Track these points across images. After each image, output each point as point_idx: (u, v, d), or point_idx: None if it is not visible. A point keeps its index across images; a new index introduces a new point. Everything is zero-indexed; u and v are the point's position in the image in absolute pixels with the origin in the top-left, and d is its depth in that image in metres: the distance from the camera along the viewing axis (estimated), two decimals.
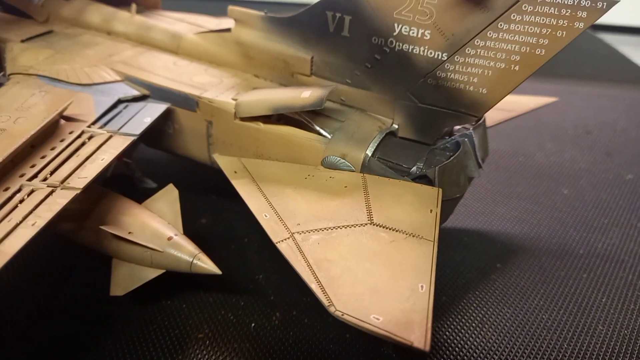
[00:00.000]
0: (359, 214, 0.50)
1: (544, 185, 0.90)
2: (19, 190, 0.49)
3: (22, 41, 0.76)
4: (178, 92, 0.64)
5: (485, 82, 0.51)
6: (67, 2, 0.83)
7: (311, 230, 0.48)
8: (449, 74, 0.53)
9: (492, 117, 0.72)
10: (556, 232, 0.77)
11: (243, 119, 0.60)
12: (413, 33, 0.53)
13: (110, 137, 0.57)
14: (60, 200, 0.48)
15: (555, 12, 0.45)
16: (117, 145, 0.56)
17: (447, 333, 0.59)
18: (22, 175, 0.51)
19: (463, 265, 0.69)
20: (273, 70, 0.65)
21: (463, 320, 0.61)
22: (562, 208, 0.84)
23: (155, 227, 0.55)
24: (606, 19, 0.45)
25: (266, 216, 0.51)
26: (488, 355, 0.56)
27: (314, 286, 0.43)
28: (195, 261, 0.53)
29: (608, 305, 0.64)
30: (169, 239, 0.54)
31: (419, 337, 0.38)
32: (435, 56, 0.53)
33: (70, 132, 0.57)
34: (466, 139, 0.55)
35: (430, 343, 0.38)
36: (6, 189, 0.49)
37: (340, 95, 0.61)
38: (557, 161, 0.99)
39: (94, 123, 0.59)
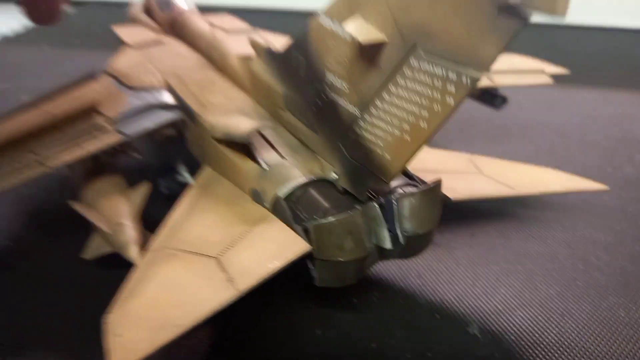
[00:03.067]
0: (218, 246, 0.53)
1: (631, 196, 0.92)
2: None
3: (130, 46, 0.90)
4: (189, 105, 0.71)
5: (387, 147, 0.51)
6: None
7: (171, 248, 0.55)
8: (362, 131, 0.53)
9: (521, 184, 0.74)
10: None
11: (216, 140, 0.65)
12: (337, 83, 0.54)
13: (108, 132, 0.68)
14: (29, 172, 0.63)
15: (429, 82, 0.45)
16: (107, 140, 0.68)
17: (526, 323, 0.64)
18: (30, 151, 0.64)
19: (550, 265, 0.74)
20: (267, 100, 0.68)
21: (544, 312, 0.65)
22: None
23: (115, 212, 0.65)
24: None
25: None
26: (568, 347, 0.61)
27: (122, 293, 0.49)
28: (126, 248, 0.61)
29: None
30: (119, 224, 0.63)
31: None
32: (352, 111, 0.53)
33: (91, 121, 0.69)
34: (376, 204, 0.54)
35: None
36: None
37: (300, 134, 0.63)
38: None
39: (114, 119, 0.70)
